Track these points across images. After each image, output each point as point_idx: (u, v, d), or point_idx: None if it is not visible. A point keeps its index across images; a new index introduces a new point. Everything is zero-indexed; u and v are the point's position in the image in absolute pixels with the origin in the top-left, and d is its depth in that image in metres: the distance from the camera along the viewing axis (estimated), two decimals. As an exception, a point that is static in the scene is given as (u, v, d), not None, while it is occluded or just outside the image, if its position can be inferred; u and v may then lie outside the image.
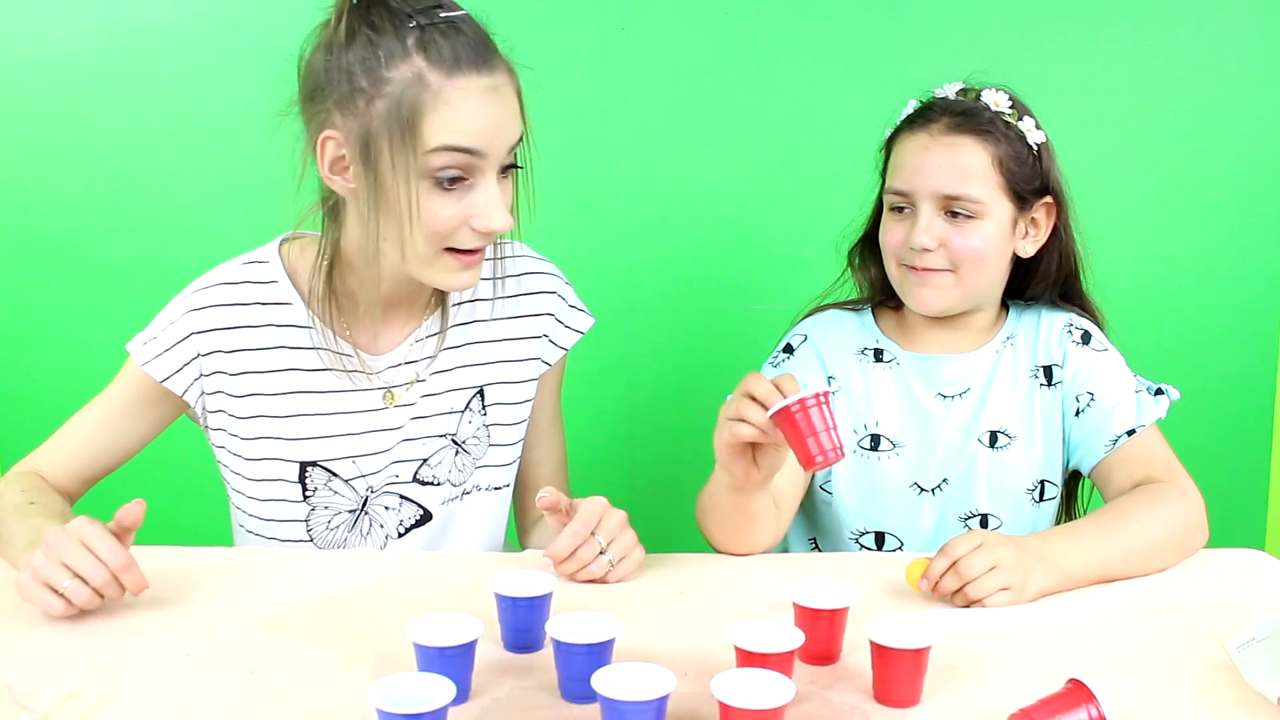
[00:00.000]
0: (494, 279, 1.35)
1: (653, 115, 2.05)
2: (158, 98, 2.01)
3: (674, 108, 2.05)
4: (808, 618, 1.01)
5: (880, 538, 1.42)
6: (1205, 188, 2.11)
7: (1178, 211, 2.12)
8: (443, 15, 1.15)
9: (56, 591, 1.05)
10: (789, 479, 1.32)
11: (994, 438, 1.41)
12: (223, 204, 2.01)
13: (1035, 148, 1.37)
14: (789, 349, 1.47)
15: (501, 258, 1.37)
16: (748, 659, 0.91)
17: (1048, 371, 1.43)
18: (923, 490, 1.41)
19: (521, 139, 1.21)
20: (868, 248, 1.49)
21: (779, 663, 0.90)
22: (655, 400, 2.16)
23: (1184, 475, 1.33)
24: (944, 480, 1.41)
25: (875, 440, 1.42)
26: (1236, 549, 1.30)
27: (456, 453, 1.35)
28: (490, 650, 1.02)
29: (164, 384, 1.29)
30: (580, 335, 1.41)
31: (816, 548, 1.48)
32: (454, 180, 1.16)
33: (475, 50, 1.15)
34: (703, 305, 2.14)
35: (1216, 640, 1.04)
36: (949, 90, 1.41)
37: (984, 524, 1.41)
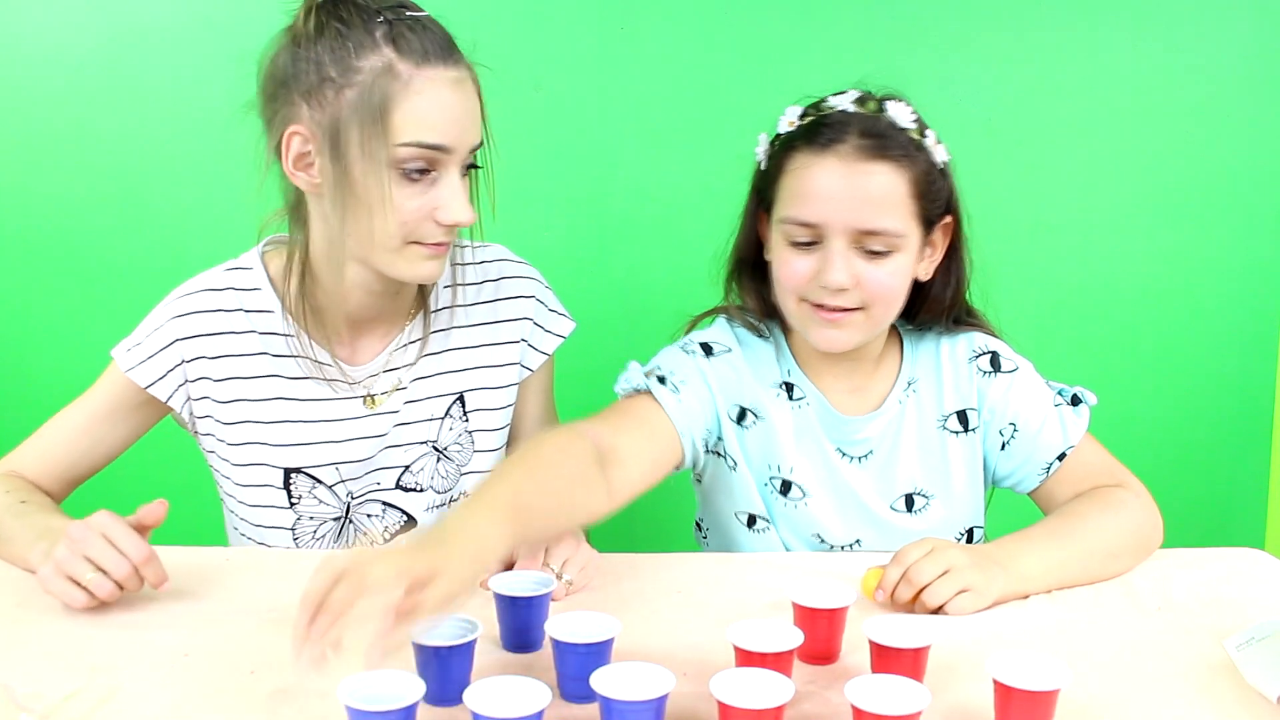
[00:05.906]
0: (472, 284, 1.35)
1: (652, 115, 2.05)
2: (158, 98, 2.01)
3: (674, 108, 2.05)
4: (807, 617, 1.01)
5: None
6: (1205, 188, 2.12)
7: (1177, 211, 2.12)
8: (409, 14, 1.18)
9: (79, 584, 1.07)
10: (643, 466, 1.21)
11: (910, 501, 1.33)
12: (221, 204, 2.01)
13: (941, 166, 1.25)
14: (708, 349, 1.34)
15: (480, 262, 1.37)
16: (747, 659, 0.91)
17: (962, 417, 1.32)
18: (834, 547, 1.33)
19: (482, 143, 1.22)
20: (749, 270, 1.35)
21: (778, 662, 0.90)
22: (655, 400, 2.16)
23: (1129, 476, 1.30)
24: (857, 540, 1.32)
25: (786, 486, 1.32)
26: (1236, 549, 1.30)
27: (438, 459, 1.34)
28: (489, 650, 1.02)
29: (148, 390, 1.29)
30: (561, 339, 1.41)
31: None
32: (420, 172, 1.17)
33: (441, 45, 1.18)
34: (702, 306, 2.14)
35: (1216, 640, 1.04)
36: (845, 101, 1.25)
37: None
